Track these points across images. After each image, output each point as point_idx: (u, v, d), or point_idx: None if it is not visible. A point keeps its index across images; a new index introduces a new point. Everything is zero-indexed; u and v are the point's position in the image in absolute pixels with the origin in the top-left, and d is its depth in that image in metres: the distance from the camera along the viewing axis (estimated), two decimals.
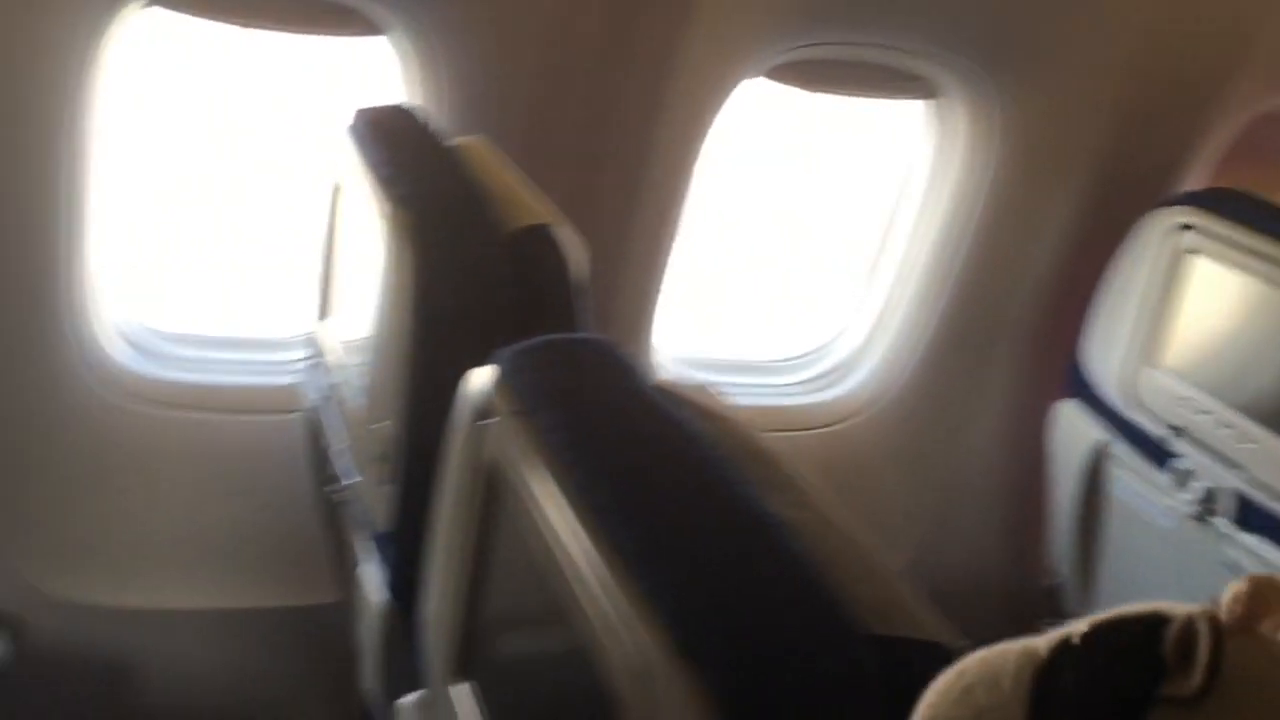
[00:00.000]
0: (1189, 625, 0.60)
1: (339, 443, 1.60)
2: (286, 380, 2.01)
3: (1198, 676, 0.60)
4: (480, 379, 1.08)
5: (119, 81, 1.82)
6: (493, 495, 1.06)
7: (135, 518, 2.07)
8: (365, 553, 1.51)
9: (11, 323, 1.87)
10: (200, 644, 2.14)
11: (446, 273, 1.33)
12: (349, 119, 1.62)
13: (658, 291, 2.07)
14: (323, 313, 1.72)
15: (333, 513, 1.80)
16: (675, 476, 0.86)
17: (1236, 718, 0.60)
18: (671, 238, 2.03)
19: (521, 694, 1.08)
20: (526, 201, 1.42)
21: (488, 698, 1.10)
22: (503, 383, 1.04)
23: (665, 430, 0.91)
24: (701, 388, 1.03)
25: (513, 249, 1.35)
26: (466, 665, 1.12)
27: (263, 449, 2.05)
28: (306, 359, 1.94)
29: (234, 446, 2.05)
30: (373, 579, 1.46)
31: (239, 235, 2.20)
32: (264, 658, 2.17)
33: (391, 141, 1.50)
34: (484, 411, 1.06)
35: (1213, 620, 0.60)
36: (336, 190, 1.65)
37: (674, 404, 0.95)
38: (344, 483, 1.60)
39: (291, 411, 1.93)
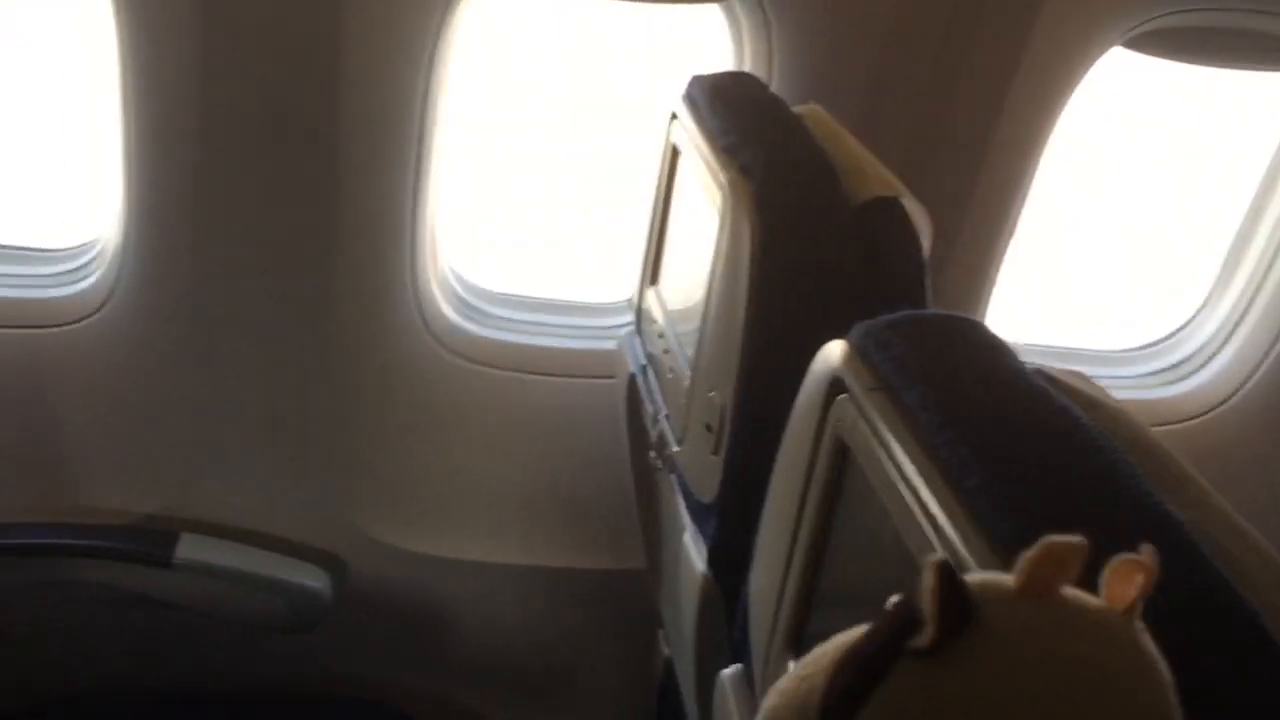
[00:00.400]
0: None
1: (661, 411, 1.60)
2: (608, 345, 2.04)
3: (929, 631, 0.62)
4: (834, 352, 1.05)
5: (466, 48, 1.87)
6: (842, 471, 1.02)
7: (455, 470, 2.15)
8: (685, 522, 1.50)
9: (359, 274, 1.96)
10: (508, 598, 2.21)
11: (788, 244, 1.30)
12: (685, 85, 1.62)
13: (994, 272, 1.98)
14: (649, 280, 1.72)
15: (648, 480, 1.81)
16: (1060, 463, 0.80)
17: (977, 670, 0.62)
18: (1014, 217, 1.93)
19: None
20: (874, 173, 1.37)
21: None
22: (860, 357, 1.00)
23: (1047, 415, 0.85)
24: (1082, 375, 0.96)
25: (860, 221, 1.31)
26: (800, 641, 1.09)
27: (581, 413, 2.08)
28: (629, 325, 1.95)
29: (553, 408, 2.09)
30: (693, 549, 1.45)
31: (569, 200, 2.23)
32: (568, 617, 2.22)
33: (733, 108, 1.48)
34: (837, 386, 1.02)
35: (942, 575, 0.62)
36: (669, 157, 1.65)
37: (1054, 389, 0.89)
38: (664, 451, 1.60)
39: (611, 377, 1.96)
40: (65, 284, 2.05)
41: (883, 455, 0.93)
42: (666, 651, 2.00)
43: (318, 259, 1.95)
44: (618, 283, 2.10)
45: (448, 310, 2.07)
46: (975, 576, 0.66)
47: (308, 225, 1.92)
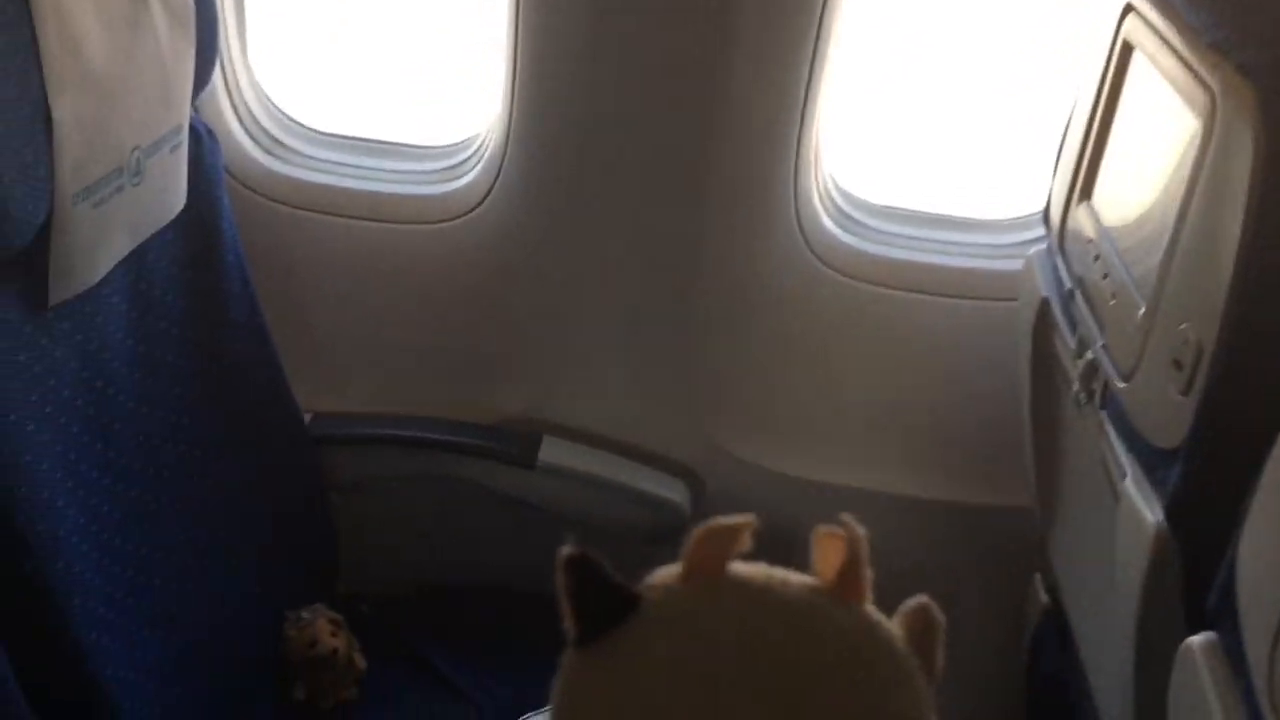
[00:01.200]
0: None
1: (1096, 340, 1.45)
2: (1001, 264, 1.89)
3: (571, 625, 0.64)
4: None
5: None
6: None
7: (823, 389, 2.05)
8: (1124, 467, 1.35)
9: (738, 182, 1.88)
10: (868, 526, 2.09)
11: None
12: None
13: None
14: (1080, 194, 1.56)
15: (1055, 414, 1.67)
16: None
17: (632, 656, 0.62)
18: None
19: None
20: None
21: None
22: None
23: None
24: None
25: None
26: None
27: (968, 335, 1.94)
28: (1032, 242, 1.80)
29: (937, 329, 1.96)
30: (1138, 498, 1.30)
31: (970, 106, 2.08)
32: (930, 551, 2.09)
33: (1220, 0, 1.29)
34: None
35: (573, 572, 0.63)
36: (1118, 56, 1.47)
37: None
38: (1093, 386, 1.45)
39: (1007, 299, 1.81)
40: (443, 181, 2.05)
41: None
42: (1044, 599, 1.87)
43: (698, 167, 1.87)
44: (1011, 197, 1.95)
45: (828, 223, 1.96)
46: (658, 570, 0.68)
47: (691, 132, 1.85)
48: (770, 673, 0.63)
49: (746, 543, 0.66)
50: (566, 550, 0.64)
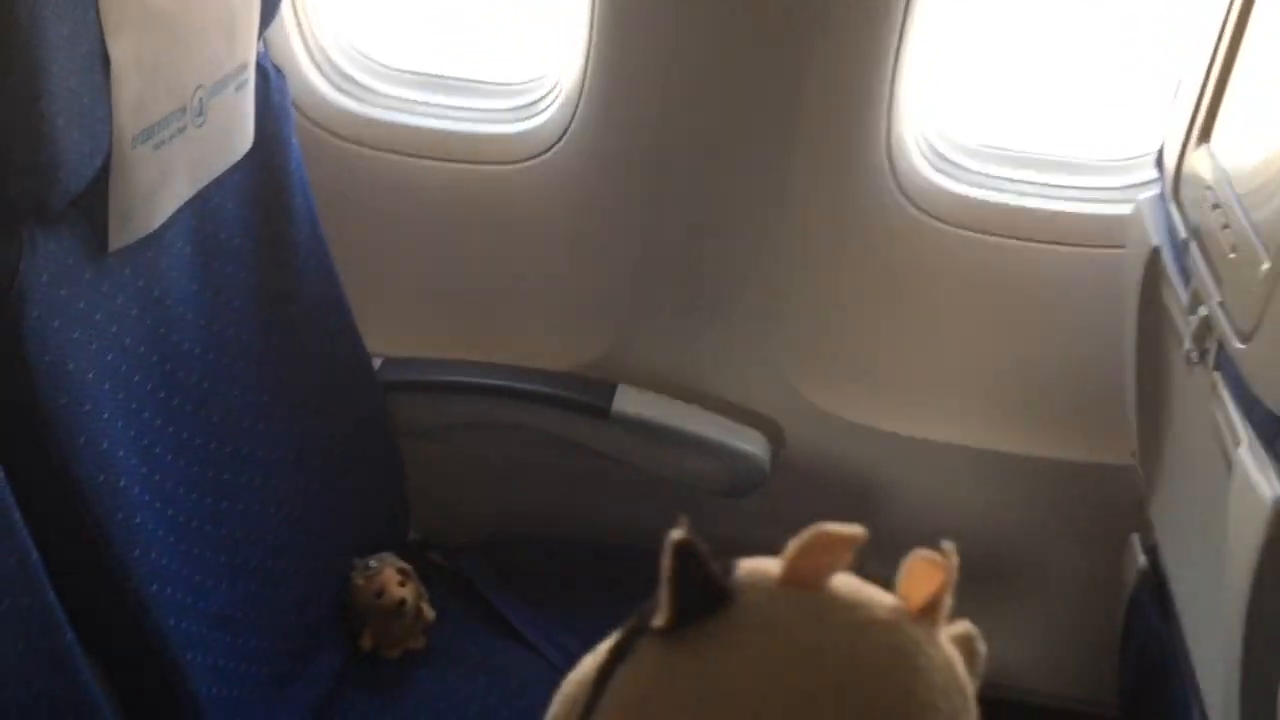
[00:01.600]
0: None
1: (1212, 296, 1.34)
2: (1112, 209, 1.77)
3: (664, 611, 0.63)
4: None
5: None
6: None
7: (912, 339, 1.96)
8: (1239, 433, 1.25)
9: (828, 120, 1.78)
10: (953, 480, 2.02)
11: None
12: None
13: None
14: (1199, 137, 1.44)
15: (1163, 371, 1.57)
16: None
17: (717, 654, 0.61)
18: None
19: None
20: None
21: None
22: None
23: None
24: None
25: None
26: None
27: (1071, 285, 1.83)
28: (1143, 186, 1.69)
29: (1037, 278, 1.85)
30: (1252, 467, 1.20)
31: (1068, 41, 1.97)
32: (1020, 509, 2.01)
33: None
34: None
35: (679, 557, 0.61)
36: None
37: None
38: (1207, 344, 1.35)
39: (1114, 246, 1.70)
40: (518, 119, 1.98)
41: None
42: (1142, 561, 1.78)
43: (785, 107, 1.77)
44: (1118, 137, 1.83)
45: (921, 164, 1.85)
46: (749, 562, 0.66)
47: (777, 71, 1.75)
48: (865, 699, 0.62)
49: (852, 555, 0.63)
50: (676, 534, 0.62)
